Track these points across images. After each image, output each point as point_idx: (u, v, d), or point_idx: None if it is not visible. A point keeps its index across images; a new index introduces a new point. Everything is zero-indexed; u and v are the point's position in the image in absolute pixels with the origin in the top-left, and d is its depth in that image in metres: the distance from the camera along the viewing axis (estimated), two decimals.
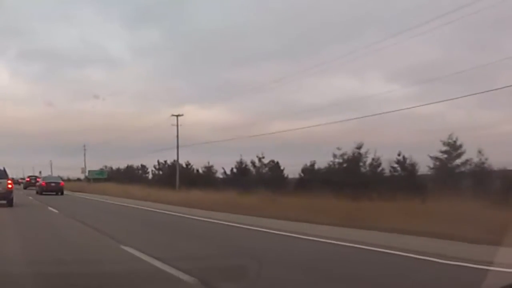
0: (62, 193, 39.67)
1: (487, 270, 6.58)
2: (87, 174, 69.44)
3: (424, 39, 58.26)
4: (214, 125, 74.10)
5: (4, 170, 22.64)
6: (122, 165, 72.88)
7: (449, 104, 66.26)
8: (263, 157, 45.55)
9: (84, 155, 74.20)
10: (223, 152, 62.12)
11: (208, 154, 74.39)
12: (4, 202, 21.90)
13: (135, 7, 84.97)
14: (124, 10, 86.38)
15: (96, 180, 61.78)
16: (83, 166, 73.33)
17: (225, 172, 49.18)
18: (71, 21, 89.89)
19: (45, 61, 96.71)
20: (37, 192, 40.47)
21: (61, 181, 42.82)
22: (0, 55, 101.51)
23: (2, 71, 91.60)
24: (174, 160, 54.35)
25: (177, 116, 50.04)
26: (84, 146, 74.52)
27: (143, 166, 67.46)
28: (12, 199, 22.31)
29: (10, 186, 22.38)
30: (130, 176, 63.87)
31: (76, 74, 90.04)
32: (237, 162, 47.36)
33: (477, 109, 55.07)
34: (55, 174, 75.12)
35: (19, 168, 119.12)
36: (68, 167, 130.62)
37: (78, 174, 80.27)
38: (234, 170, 47.78)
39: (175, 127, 50.04)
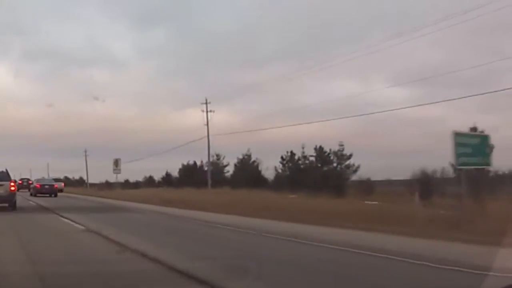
0: (56, 195, 39.18)
1: None
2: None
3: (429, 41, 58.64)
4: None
5: (7, 172, 21.48)
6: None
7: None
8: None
9: None
10: None
11: None
12: (6, 205, 20.62)
13: (141, 8, 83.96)
14: (130, 10, 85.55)
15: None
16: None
17: None
18: (77, 20, 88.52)
19: (50, 61, 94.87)
20: (31, 194, 39.93)
21: (55, 183, 42.68)
22: (3, 54, 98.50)
23: (7, 71, 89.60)
24: None
25: None
26: None
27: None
28: (15, 203, 21.14)
29: (13, 188, 21.15)
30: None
31: (81, 74, 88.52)
32: None
33: None
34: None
35: (24, 170, 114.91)
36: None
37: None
38: None
39: None
